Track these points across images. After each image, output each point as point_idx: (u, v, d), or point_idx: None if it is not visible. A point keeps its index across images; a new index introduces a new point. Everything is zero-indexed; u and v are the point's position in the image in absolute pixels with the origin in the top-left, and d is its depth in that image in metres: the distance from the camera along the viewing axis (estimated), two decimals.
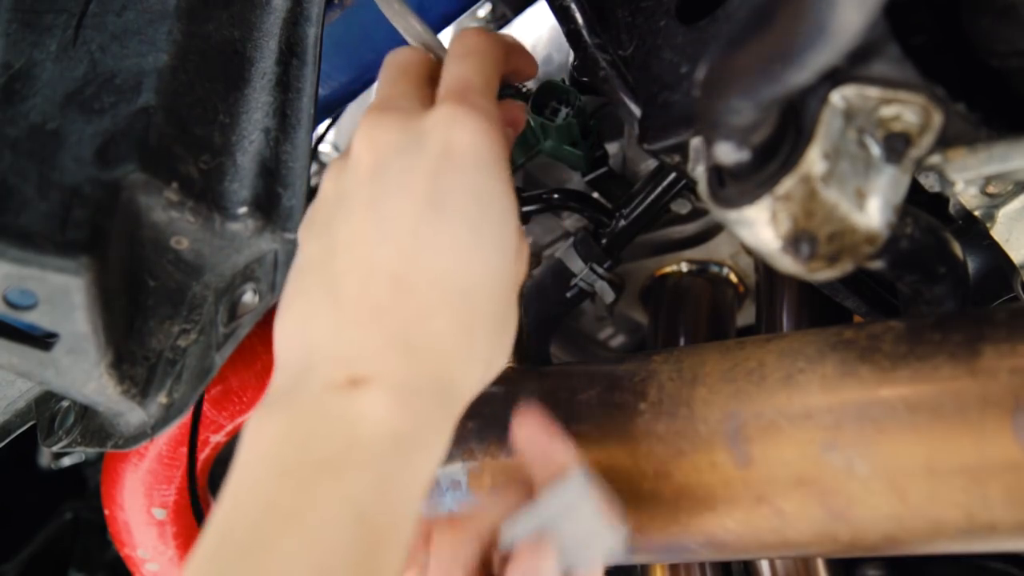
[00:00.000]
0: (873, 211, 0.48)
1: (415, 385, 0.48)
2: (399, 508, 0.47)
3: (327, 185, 0.55)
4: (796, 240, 0.48)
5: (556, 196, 0.86)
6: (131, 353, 0.63)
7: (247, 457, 0.48)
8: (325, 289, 0.50)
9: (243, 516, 0.45)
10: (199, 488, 0.81)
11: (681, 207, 0.90)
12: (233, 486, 0.47)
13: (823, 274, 0.49)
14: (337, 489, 0.45)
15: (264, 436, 0.47)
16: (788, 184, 0.47)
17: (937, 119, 0.49)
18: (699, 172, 0.53)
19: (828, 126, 0.47)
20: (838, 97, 0.48)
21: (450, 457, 0.67)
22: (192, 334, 0.64)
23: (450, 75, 0.55)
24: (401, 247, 0.49)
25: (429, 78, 0.57)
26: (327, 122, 1.05)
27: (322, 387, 0.48)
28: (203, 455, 0.83)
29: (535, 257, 0.78)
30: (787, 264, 0.49)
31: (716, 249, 1.00)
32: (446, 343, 0.49)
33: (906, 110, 0.49)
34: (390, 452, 0.47)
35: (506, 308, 0.52)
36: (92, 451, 0.72)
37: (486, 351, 0.51)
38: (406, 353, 0.48)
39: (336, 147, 1.24)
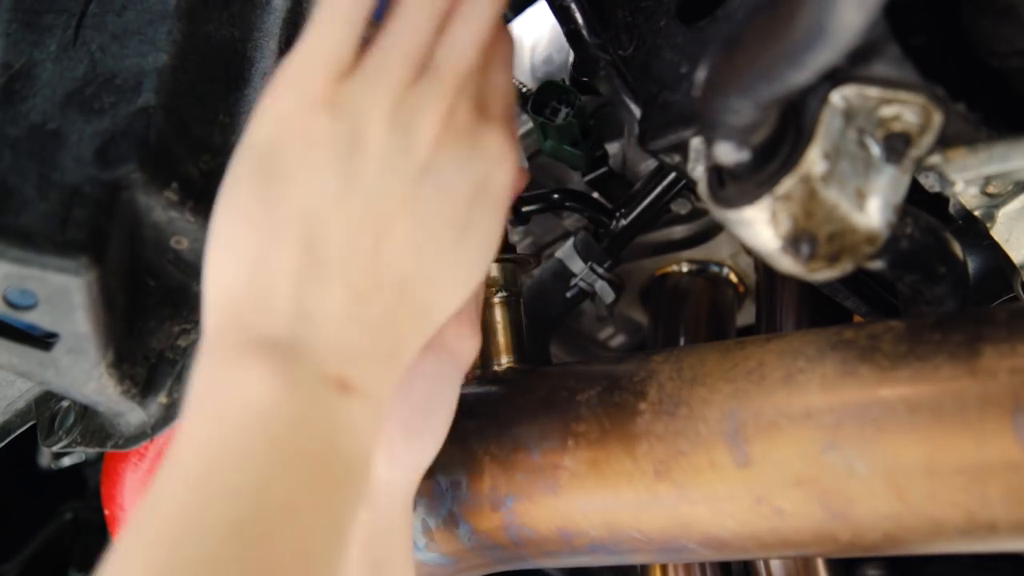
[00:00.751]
0: (873, 211, 0.48)
1: (381, 400, 0.50)
2: (349, 524, 0.48)
3: (375, 100, 0.50)
4: (796, 240, 0.48)
5: (556, 196, 0.86)
6: (131, 353, 0.63)
7: (227, 397, 0.46)
8: (336, 260, 0.49)
9: (232, 483, 0.45)
10: None
11: (681, 207, 0.90)
12: (210, 423, 0.46)
13: (823, 274, 0.49)
14: (325, 494, 0.47)
15: (251, 387, 0.46)
16: (788, 184, 0.47)
17: (937, 119, 0.49)
18: (699, 172, 0.54)
19: (828, 126, 0.47)
20: (838, 97, 0.48)
21: (450, 457, 0.67)
22: (192, 334, 0.64)
23: (498, 87, 0.55)
24: (422, 265, 0.51)
25: None
26: None
27: (317, 374, 0.48)
28: None
29: (535, 257, 0.78)
30: (787, 264, 0.49)
31: (716, 249, 1.00)
32: (403, 359, 0.52)
33: (906, 110, 0.49)
34: (359, 476, 0.49)
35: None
36: (92, 451, 0.72)
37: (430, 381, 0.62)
38: (385, 370, 0.51)
39: None
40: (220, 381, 0.47)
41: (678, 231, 1.00)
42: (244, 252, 0.49)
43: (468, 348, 0.62)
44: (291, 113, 0.50)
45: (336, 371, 0.48)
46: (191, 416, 0.47)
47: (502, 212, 0.54)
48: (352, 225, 0.49)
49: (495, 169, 0.53)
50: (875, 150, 0.49)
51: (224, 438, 0.46)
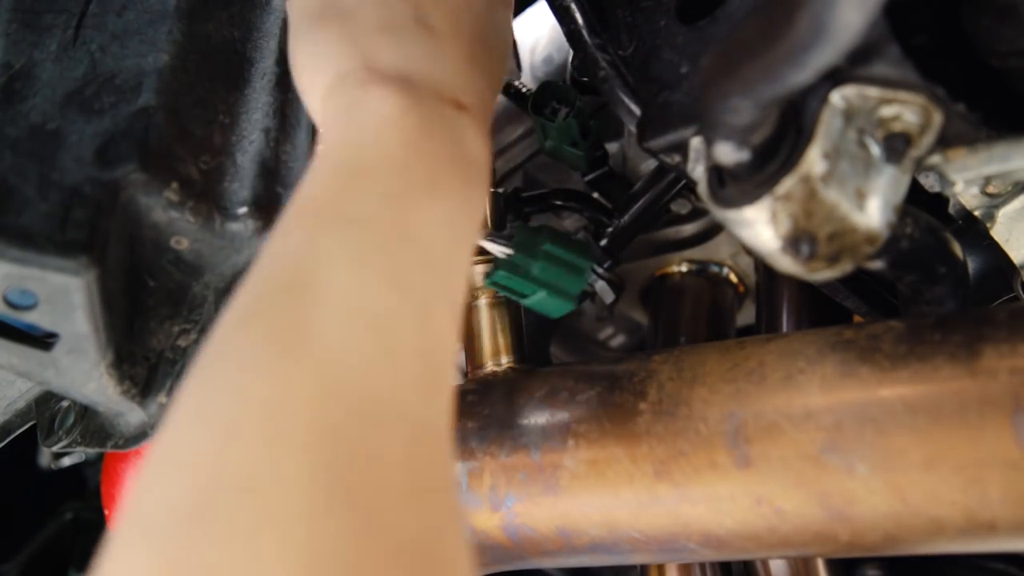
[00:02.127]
0: (873, 211, 0.48)
1: (488, 126, 0.57)
2: (479, 225, 0.54)
3: None
4: (796, 240, 0.48)
5: (556, 196, 0.86)
6: (131, 353, 0.63)
7: (364, 116, 0.51)
8: (413, 12, 0.56)
9: (379, 165, 0.49)
10: None
11: (681, 207, 0.90)
12: (349, 131, 0.51)
13: (823, 274, 0.49)
14: (457, 190, 0.51)
15: (385, 103, 0.51)
16: (788, 184, 0.47)
17: (937, 119, 0.49)
18: (699, 172, 0.54)
19: (828, 126, 0.47)
20: (838, 97, 0.48)
21: None
22: (192, 334, 0.64)
23: None
24: (480, 9, 0.59)
25: None
26: None
27: (436, 95, 0.53)
28: None
29: None
30: (787, 264, 0.49)
31: (716, 249, 1.00)
32: (494, 99, 0.59)
33: (906, 110, 0.49)
34: (483, 175, 0.54)
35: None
36: (92, 451, 0.72)
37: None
38: (487, 97, 0.57)
39: None
40: (348, 106, 0.52)
41: (678, 231, 1.00)
42: (328, 35, 0.56)
43: None
44: None
45: (450, 94, 0.54)
46: (326, 135, 0.52)
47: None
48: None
49: None
50: (875, 150, 0.49)
51: (362, 135, 0.50)
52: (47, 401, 0.74)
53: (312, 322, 0.41)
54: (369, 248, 0.46)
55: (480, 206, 0.54)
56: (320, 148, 0.52)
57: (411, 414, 0.42)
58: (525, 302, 0.69)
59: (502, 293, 0.70)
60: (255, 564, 0.34)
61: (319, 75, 0.56)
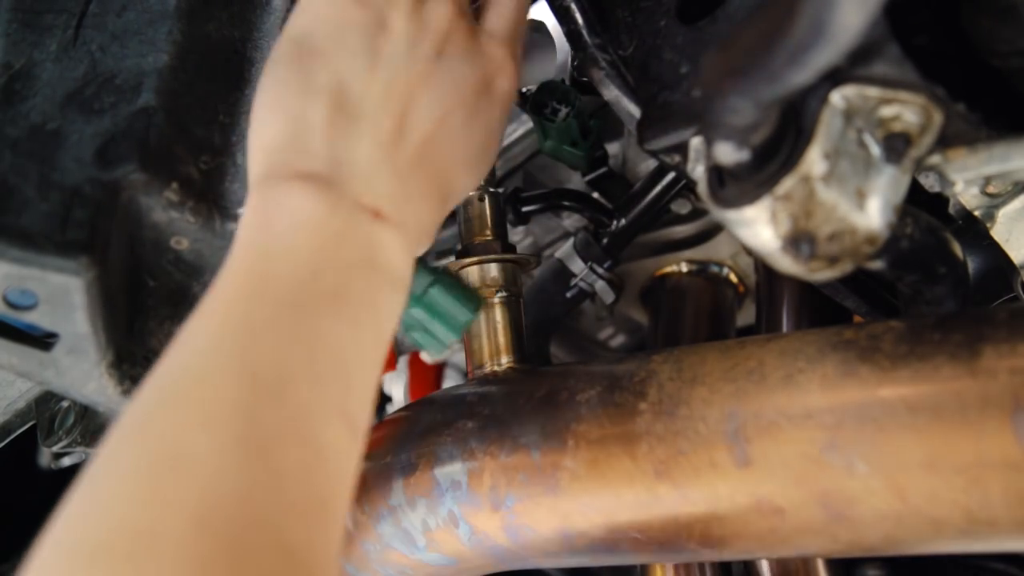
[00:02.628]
0: (873, 211, 0.48)
1: (410, 243, 0.56)
2: (390, 334, 0.54)
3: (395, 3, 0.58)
4: (796, 240, 0.48)
5: (556, 196, 0.86)
6: (131, 353, 0.63)
7: (280, 214, 0.51)
8: (367, 117, 0.55)
9: (286, 273, 0.49)
10: None
11: (681, 207, 0.90)
12: (264, 236, 0.51)
13: (823, 274, 0.49)
14: (367, 292, 0.51)
15: (301, 205, 0.51)
16: (788, 184, 0.47)
17: (937, 119, 0.49)
18: (699, 172, 0.54)
19: (828, 126, 0.47)
20: (838, 97, 0.48)
21: (450, 457, 0.67)
22: None
23: (504, 17, 0.64)
24: (437, 133, 0.57)
25: None
26: None
27: (355, 204, 0.53)
28: None
29: (535, 257, 0.78)
30: (787, 264, 0.49)
31: (716, 249, 1.00)
32: (427, 224, 0.58)
33: (906, 110, 0.49)
34: (396, 283, 0.54)
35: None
36: (92, 451, 0.72)
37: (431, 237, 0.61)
38: (412, 215, 0.56)
39: None
40: (267, 205, 0.52)
41: (678, 231, 1.00)
42: (284, 111, 0.55)
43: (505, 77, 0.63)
44: (324, 4, 0.57)
45: (370, 202, 0.54)
46: (242, 235, 0.52)
47: (504, 112, 0.62)
48: (378, 90, 0.56)
49: (498, 72, 0.61)
50: (875, 150, 0.49)
51: (275, 241, 0.51)
52: (47, 401, 0.74)
53: (191, 444, 0.42)
54: (262, 363, 0.45)
55: (391, 315, 0.54)
56: (239, 236, 0.52)
57: (288, 541, 0.41)
58: (406, 334, 0.71)
59: None
60: None
61: (261, 141, 0.56)
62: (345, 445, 0.47)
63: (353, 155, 0.54)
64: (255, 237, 0.51)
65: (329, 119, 0.55)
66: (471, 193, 0.75)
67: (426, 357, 0.71)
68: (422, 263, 0.69)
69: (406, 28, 0.58)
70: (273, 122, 0.55)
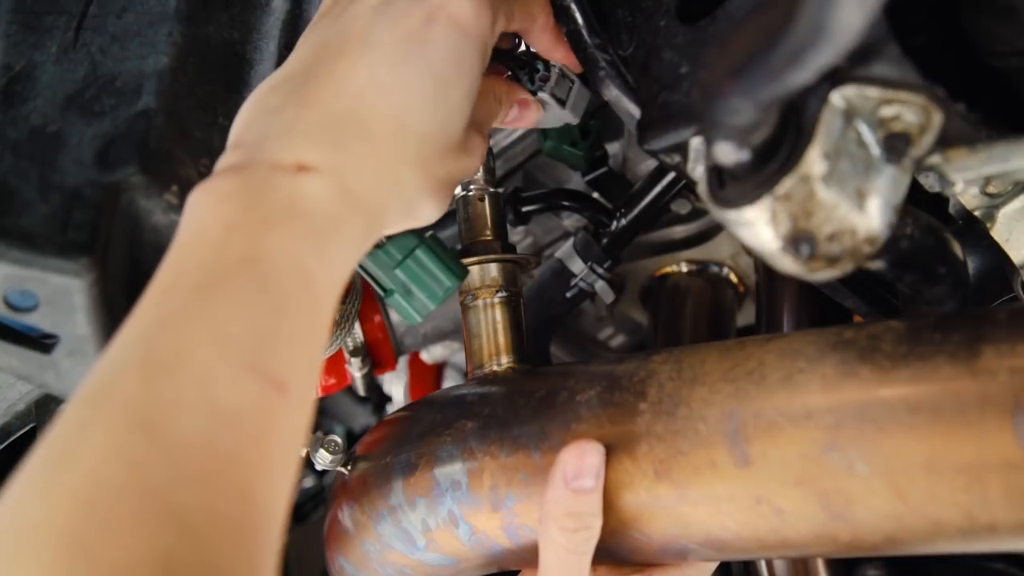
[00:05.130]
0: (873, 211, 0.48)
1: (352, 188, 0.53)
2: (332, 280, 0.52)
3: None
4: (796, 240, 0.48)
5: (556, 196, 0.86)
6: None
7: (193, 214, 0.50)
8: (298, 89, 0.55)
9: (193, 259, 0.48)
10: None
11: (681, 207, 0.90)
12: (181, 237, 0.50)
13: (823, 274, 0.49)
14: (284, 245, 0.49)
15: (211, 198, 0.51)
16: (788, 184, 0.47)
17: (937, 119, 0.49)
18: (699, 172, 0.54)
19: (828, 126, 0.47)
20: (838, 97, 0.48)
21: (450, 457, 0.67)
22: None
23: None
24: (375, 76, 0.55)
25: None
26: None
27: (270, 166, 0.52)
28: None
29: (535, 257, 0.78)
30: (787, 264, 0.49)
31: (716, 249, 1.00)
32: (387, 169, 0.55)
33: (906, 110, 0.49)
34: (327, 230, 0.51)
35: (440, 180, 0.59)
36: None
37: (411, 199, 0.58)
38: (352, 164, 0.54)
39: None
40: (187, 209, 0.51)
41: (678, 231, 1.00)
42: (235, 127, 0.56)
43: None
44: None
45: (290, 159, 0.52)
46: (180, 227, 0.51)
47: (465, 35, 0.57)
48: (307, 59, 0.56)
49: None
50: (875, 150, 0.49)
51: (188, 235, 0.50)
52: (47, 404, 0.74)
53: (85, 436, 0.42)
54: (162, 347, 0.45)
55: (325, 261, 0.51)
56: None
57: (182, 509, 0.41)
58: (386, 299, 0.70)
59: (367, 279, 0.70)
60: None
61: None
62: (261, 403, 0.45)
63: (277, 127, 0.54)
64: (176, 239, 0.51)
65: (263, 107, 0.55)
66: (471, 192, 0.75)
67: (408, 321, 0.70)
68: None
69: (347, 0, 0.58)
70: (232, 131, 0.56)
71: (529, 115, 0.69)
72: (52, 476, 0.41)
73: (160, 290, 0.48)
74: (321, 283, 0.50)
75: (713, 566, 0.69)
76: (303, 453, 0.48)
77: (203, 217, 0.50)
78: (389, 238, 0.67)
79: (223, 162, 0.54)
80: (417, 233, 0.68)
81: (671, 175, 0.83)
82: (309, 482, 1.29)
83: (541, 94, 0.68)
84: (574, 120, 0.72)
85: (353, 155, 0.54)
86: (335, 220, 0.52)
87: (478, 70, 0.59)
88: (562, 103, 0.69)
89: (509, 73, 0.69)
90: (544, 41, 0.67)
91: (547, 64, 0.70)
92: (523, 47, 0.70)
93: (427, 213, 0.59)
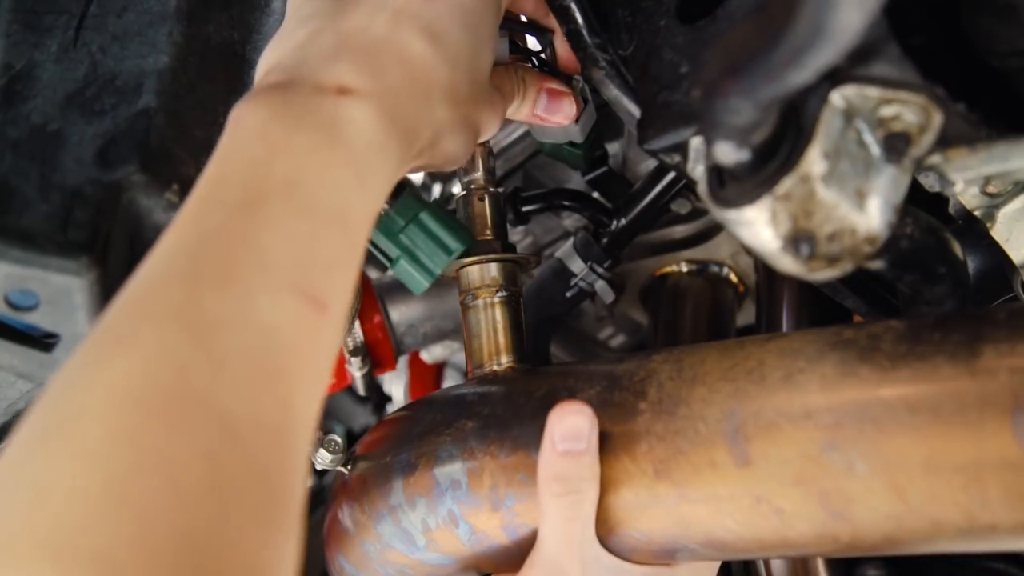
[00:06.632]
0: (873, 211, 0.49)
1: (392, 115, 0.54)
2: (368, 209, 0.53)
3: None
4: (796, 240, 0.48)
5: (556, 196, 0.86)
6: None
7: (236, 129, 0.51)
8: (332, 15, 0.55)
9: (235, 175, 0.49)
10: None
11: (681, 207, 0.90)
12: (223, 150, 0.50)
13: (823, 274, 0.49)
14: (326, 173, 0.50)
15: (254, 114, 0.51)
16: (788, 184, 0.47)
17: (937, 119, 0.49)
18: (699, 172, 0.54)
19: (828, 126, 0.47)
20: (838, 97, 0.48)
21: (450, 457, 0.67)
22: None
23: None
24: (409, 3, 0.56)
25: None
26: None
27: (313, 87, 0.52)
28: None
29: (535, 257, 0.78)
30: (787, 264, 0.49)
31: (716, 249, 1.00)
32: (424, 99, 0.56)
33: (906, 110, 0.49)
34: (368, 156, 0.52)
35: (465, 119, 0.60)
36: None
37: (439, 130, 0.58)
38: (391, 88, 0.54)
39: None
40: (230, 125, 0.52)
41: (678, 231, 1.00)
42: (270, 46, 0.57)
43: None
44: None
45: (332, 80, 0.52)
46: (216, 152, 0.51)
47: None
48: None
49: None
50: (875, 150, 0.49)
51: (230, 150, 0.50)
52: None
53: (133, 336, 0.43)
54: (207, 261, 0.46)
55: (363, 187, 0.52)
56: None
57: (228, 414, 0.42)
58: (391, 268, 0.69)
59: (372, 250, 0.70)
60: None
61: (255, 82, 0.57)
62: (302, 318, 0.47)
63: (316, 48, 0.54)
64: (217, 155, 0.51)
65: (299, 27, 0.56)
66: (471, 191, 0.75)
67: (415, 288, 0.69)
68: (413, 194, 0.68)
69: None
70: (264, 62, 0.57)
71: (562, 108, 0.70)
72: (102, 369, 0.42)
73: (202, 201, 0.49)
74: (358, 211, 0.52)
75: (715, 566, 0.69)
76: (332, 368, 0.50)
77: (245, 134, 0.51)
78: (392, 204, 0.67)
79: (263, 80, 0.54)
80: (420, 199, 0.68)
81: (671, 175, 0.83)
82: (309, 482, 1.29)
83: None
84: (579, 138, 0.72)
85: (391, 79, 0.55)
86: (375, 148, 0.53)
87: (499, 9, 0.61)
88: (575, 120, 0.70)
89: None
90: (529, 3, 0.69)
91: (569, 79, 0.70)
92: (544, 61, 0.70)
93: (450, 149, 0.60)
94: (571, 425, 0.62)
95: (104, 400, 0.41)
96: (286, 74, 0.53)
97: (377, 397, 1.23)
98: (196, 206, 0.49)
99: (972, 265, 0.63)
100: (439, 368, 1.16)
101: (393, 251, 0.68)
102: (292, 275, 0.47)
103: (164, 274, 0.46)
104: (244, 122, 0.51)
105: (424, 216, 0.67)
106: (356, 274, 0.52)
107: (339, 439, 0.71)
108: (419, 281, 0.68)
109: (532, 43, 0.72)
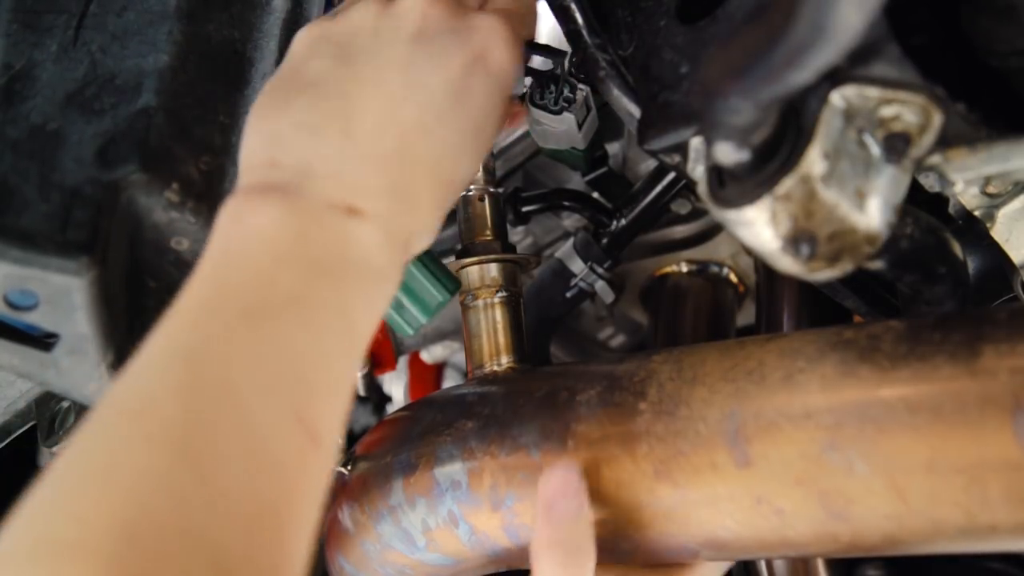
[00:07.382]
0: (873, 211, 0.48)
1: (395, 236, 0.54)
2: (370, 326, 0.53)
3: (363, 9, 0.59)
4: (796, 240, 0.48)
5: (556, 196, 0.86)
6: (132, 354, 0.63)
7: (236, 230, 0.50)
8: (338, 114, 0.55)
9: (237, 283, 0.48)
10: None
11: (681, 207, 0.90)
12: (221, 251, 0.50)
13: (823, 274, 0.49)
14: (333, 293, 0.50)
15: (258, 219, 0.50)
16: (788, 184, 0.47)
17: (937, 119, 0.49)
18: (699, 172, 0.54)
19: (828, 126, 0.47)
20: (838, 97, 0.48)
21: (450, 457, 0.67)
22: None
23: None
24: (422, 119, 0.55)
25: None
26: None
27: (323, 202, 0.52)
28: None
29: (535, 257, 0.78)
30: (787, 264, 0.49)
31: (716, 249, 1.00)
32: (422, 215, 0.56)
33: (906, 110, 0.49)
34: (374, 280, 0.53)
35: (458, 193, 0.60)
36: None
37: (432, 236, 0.59)
38: (397, 208, 0.54)
39: None
40: (229, 220, 0.51)
41: (678, 231, 1.00)
42: (260, 130, 0.55)
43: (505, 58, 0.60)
44: (304, 31, 0.59)
45: (342, 199, 0.52)
46: (206, 251, 0.51)
47: (502, 87, 0.59)
48: (345, 85, 0.55)
49: (491, 45, 0.58)
50: (875, 150, 0.49)
51: (233, 252, 0.49)
52: (47, 402, 0.74)
53: (126, 457, 0.41)
54: (209, 375, 0.44)
55: (369, 313, 0.52)
56: (203, 253, 0.51)
57: (223, 552, 0.41)
58: None
59: None
60: None
61: (244, 162, 0.56)
62: (301, 454, 0.46)
63: (321, 155, 0.53)
64: (215, 251, 0.50)
65: (299, 124, 0.54)
66: (471, 192, 0.75)
67: (402, 334, 0.70)
68: None
69: (374, 24, 0.57)
70: (250, 142, 0.56)
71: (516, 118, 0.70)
72: (91, 492, 0.41)
73: (200, 304, 0.48)
74: (361, 329, 0.52)
75: (717, 567, 0.69)
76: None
77: (248, 239, 0.50)
78: None
79: (259, 172, 0.53)
80: None
81: (671, 175, 0.83)
82: None
83: (566, 113, 0.69)
84: (581, 145, 0.72)
85: (399, 202, 0.54)
86: (380, 268, 0.53)
87: (504, 114, 0.61)
88: (579, 126, 0.70)
89: (530, 83, 0.69)
90: None
91: (574, 87, 0.70)
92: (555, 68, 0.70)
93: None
94: (563, 484, 0.60)
95: (96, 532, 0.39)
96: (289, 176, 0.52)
97: (377, 397, 1.23)
98: (193, 308, 0.47)
99: (972, 265, 0.63)
100: (439, 368, 1.16)
101: None
102: (295, 401, 0.46)
103: (157, 381, 0.44)
104: (245, 221, 0.50)
105: (412, 267, 0.68)
106: (350, 397, 0.51)
107: (339, 439, 0.71)
108: (405, 330, 0.70)
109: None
